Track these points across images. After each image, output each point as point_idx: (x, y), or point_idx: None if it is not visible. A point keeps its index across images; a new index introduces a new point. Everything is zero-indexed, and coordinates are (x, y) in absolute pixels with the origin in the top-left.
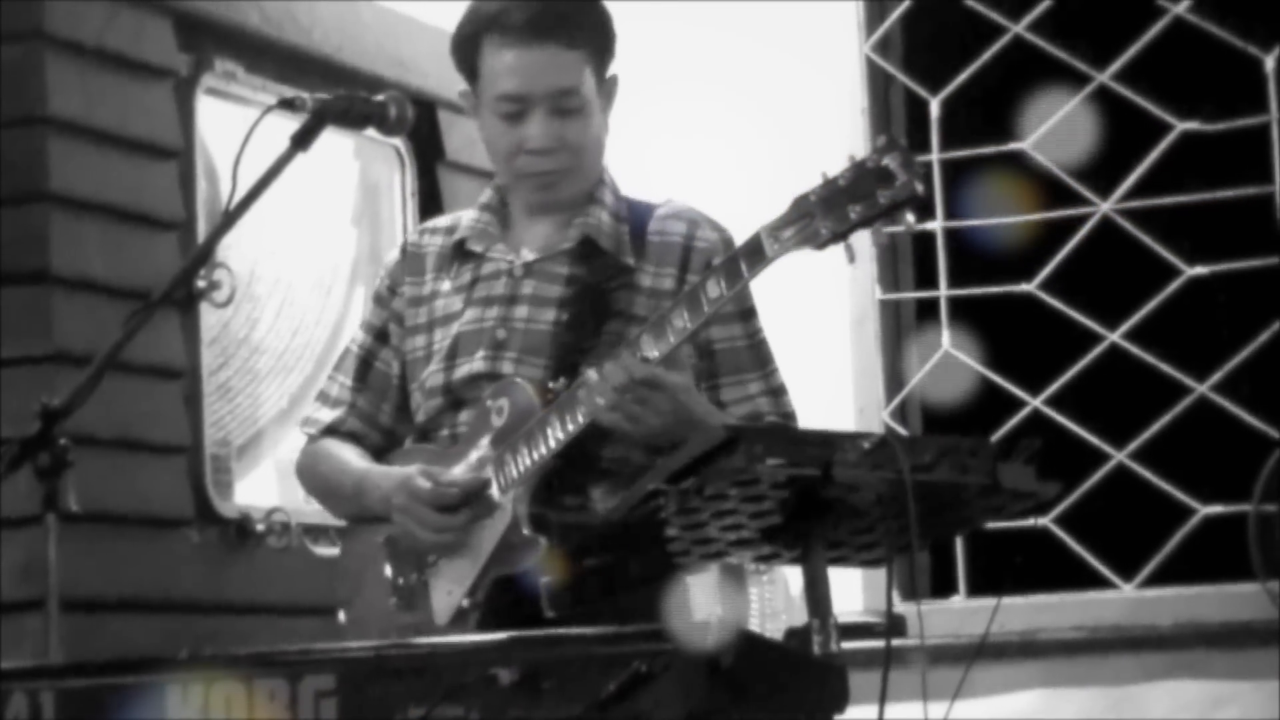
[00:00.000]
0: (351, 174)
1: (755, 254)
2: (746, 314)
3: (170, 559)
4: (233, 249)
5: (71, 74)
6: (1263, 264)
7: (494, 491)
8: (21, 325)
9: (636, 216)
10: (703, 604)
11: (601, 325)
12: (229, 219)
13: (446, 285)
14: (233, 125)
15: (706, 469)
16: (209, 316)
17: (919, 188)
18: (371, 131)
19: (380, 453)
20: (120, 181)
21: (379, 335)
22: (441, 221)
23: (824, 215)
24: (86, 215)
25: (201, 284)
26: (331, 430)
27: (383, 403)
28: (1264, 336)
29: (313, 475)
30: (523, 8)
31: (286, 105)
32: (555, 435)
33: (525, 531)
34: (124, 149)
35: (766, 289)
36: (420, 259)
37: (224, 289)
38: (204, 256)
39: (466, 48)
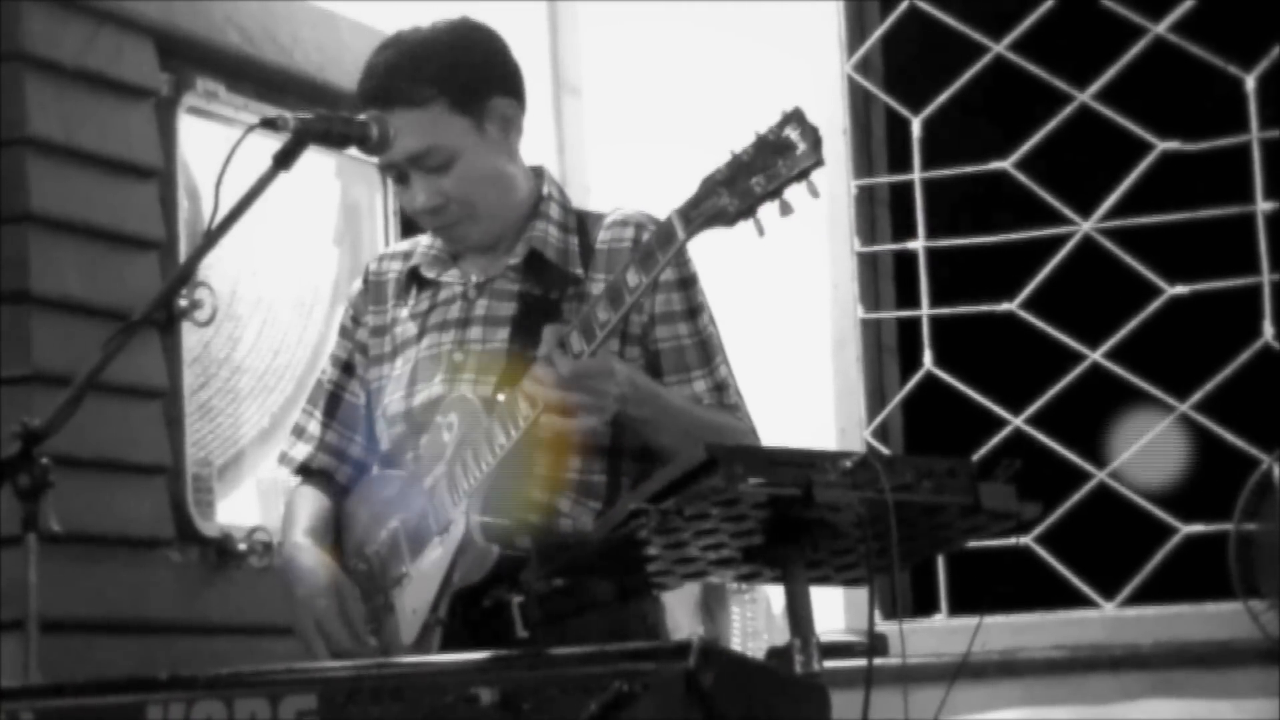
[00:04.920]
0: (333, 193)
1: (667, 237)
2: (692, 312)
3: (151, 579)
4: (214, 268)
5: (51, 94)
6: (1243, 283)
7: (448, 507)
8: (1, 346)
9: (586, 227)
10: (683, 623)
11: None
12: (210, 239)
13: (404, 312)
14: (214, 145)
15: (687, 489)
16: (190, 336)
17: (818, 155)
18: (353, 151)
19: (352, 484)
20: (101, 201)
21: (345, 368)
22: (401, 246)
23: (730, 192)
24: (66, 235)
25: (183, 304)
26: (304, 469)
27: (354, 434)
28: (1244, 356)
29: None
30: (365, 80)
31: (268, 125)
32: (499, 444)
33: (479, 541)
34: (104, 169)
35: (748, 310)
36: (381, 287)
37: (205, 309)
38: (185, 276)
39: None
